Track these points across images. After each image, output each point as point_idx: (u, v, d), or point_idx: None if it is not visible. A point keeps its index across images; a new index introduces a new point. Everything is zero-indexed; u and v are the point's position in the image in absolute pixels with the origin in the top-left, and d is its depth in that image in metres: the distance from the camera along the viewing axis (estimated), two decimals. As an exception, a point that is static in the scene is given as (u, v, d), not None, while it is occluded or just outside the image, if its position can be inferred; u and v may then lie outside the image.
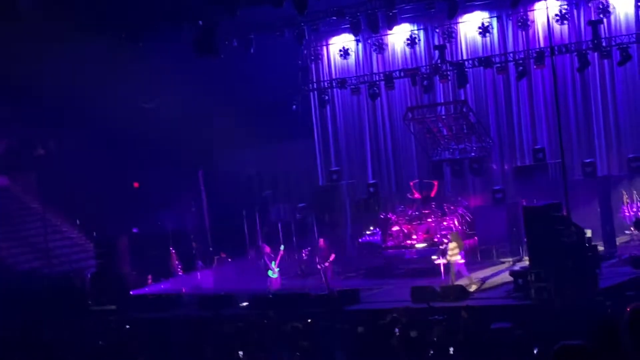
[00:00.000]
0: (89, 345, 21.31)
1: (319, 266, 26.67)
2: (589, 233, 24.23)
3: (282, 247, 28.59)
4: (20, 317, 24.73)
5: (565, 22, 30.19)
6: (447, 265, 25.60)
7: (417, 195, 30.59)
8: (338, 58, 34.46)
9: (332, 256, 26.68)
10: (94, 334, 23.20)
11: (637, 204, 29.07)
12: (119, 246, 29.95)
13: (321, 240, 27.40)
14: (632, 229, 27.12)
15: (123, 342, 21.33)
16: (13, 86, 32.12)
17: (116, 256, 29.66)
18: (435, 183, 30.79)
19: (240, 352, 18.00)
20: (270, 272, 27.39)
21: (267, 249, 28.66)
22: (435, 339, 18.60)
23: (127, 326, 24.11)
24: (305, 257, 28.66)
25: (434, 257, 26.89)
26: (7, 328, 23.67)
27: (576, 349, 3.17)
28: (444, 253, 26.06)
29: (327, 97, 34.41)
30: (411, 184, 31.43)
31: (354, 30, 31.05)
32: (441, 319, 21.37)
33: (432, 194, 30.40)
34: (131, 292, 28.91)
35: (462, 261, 25.46)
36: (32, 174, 36.57)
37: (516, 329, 19.13)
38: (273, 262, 27.37)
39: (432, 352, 17.94)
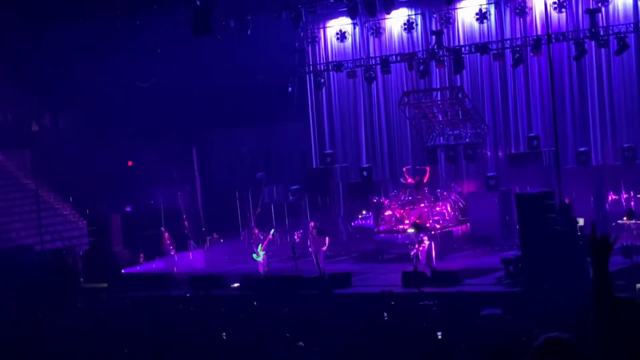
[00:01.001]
0: (79, 323, 21.31)
1: (310, 250, 26.69)
2: (581, 222, 24.27)
3: (272, 231, 28.59)
4: (11, 294, 24.72)
5: (563, 10, 30.15)
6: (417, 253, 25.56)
7: (410, 181, 30.62)
8: (335, 41, 34.39)
9: (327, 239, 26.64)
10: (84, 312, 23.23)
11: (630, 193, 29.10)
12: (112, 224, 29.99)
13: (311, 223, 27.40)
14: (624, 218, 27.15)
15: (114, 320, 21.35)
16: (8, 62, 32.05)
17: (108, 234, 29.71)
18: (428, 169, 30.80)
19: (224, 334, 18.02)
20: (254, 255, 27.42)
21: (255, 231, 28.65)
22: (424, 324, 18.65)
23: (118, 304, 24.14)
24: (297, 240, 28.69)
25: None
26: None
27: (561, 343, 3.16)
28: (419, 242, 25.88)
29: (323, 80, 34.36)
30: (404, 169, 31.45)
31: (352, 14, 30.99)
32: (431, 304, 21.44)
33: (425, 180, 30.42)
34: (123, 271, 28.91)
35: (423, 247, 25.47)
36: (25, 151, 36.51)
37: (506, 315, 19.19)
38: (260, 245, 27.38)
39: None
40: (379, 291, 22.16)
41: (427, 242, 25.84)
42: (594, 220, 3.47)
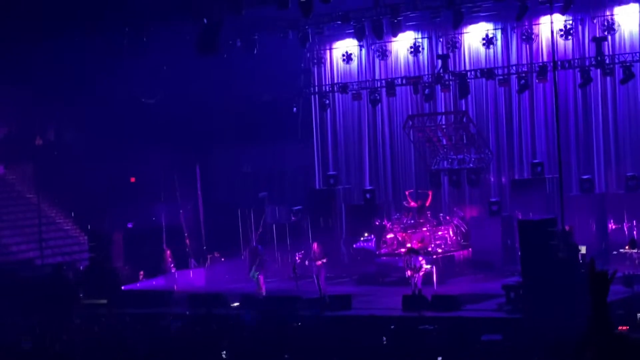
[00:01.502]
0: (78, 338, 21.25)
1: (308, 264, 26.63)
2: (583, 250, 24.20)
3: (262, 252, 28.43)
4: (10, 308, 24.66)
5: (570, 37, 30.17)
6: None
7: (412, 204, 30.54)
8: (341, 62, 34.42)
9: (324, 259, 26.59)
10: (83, 327, 23.16)
11: (632, 222, 29.04)
12: (113, 240, 29.94)
13: (315, 244, 27.34)
14: (627, 247, 27.08)
15: (112, 336, 21.29)
16: (14, 74, 32.08)
17: (109, 250, 29.67)
18: (430, 193, 30.74)
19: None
20: (251, 274, 27.44)
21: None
22: (424, 348, 18.58)
23: (117, 321, 24.07)
24: (298, 260, 28.63)
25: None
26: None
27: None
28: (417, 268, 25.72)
29: (327, 101, 34.39)
30: (407, 192, 31.39)
31: (358, 36, 31.03)
32: (431, 328, 21.37)
33: (427, 204, 30.34)
34: (123, 287, 28.84)
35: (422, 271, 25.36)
36: (29, 164, 36.49)
37: (507, 341, 19.12)
38: (254, 266, 27.40)
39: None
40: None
41: (426, 267, 25.72)
42: (593, 256, 3.50)
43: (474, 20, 31.10)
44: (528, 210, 28.27)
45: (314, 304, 24.81)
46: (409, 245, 27.83)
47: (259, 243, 31.01)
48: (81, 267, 30.22)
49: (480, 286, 26.96)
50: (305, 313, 23.87)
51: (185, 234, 33.03)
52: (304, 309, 24.24)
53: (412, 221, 29.95)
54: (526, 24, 30.56)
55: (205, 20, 27.82)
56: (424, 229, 29.52)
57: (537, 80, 30.45)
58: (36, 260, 31.30)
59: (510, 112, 32.04)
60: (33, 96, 33.08)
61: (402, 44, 33.00)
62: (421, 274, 25.15)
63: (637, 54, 29.18)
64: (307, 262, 26.77)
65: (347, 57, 34.17)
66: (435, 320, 22.12)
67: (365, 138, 34.63)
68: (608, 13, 29.95)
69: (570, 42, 30.32)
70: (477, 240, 29.91)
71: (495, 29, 31.54)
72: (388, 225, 30.39)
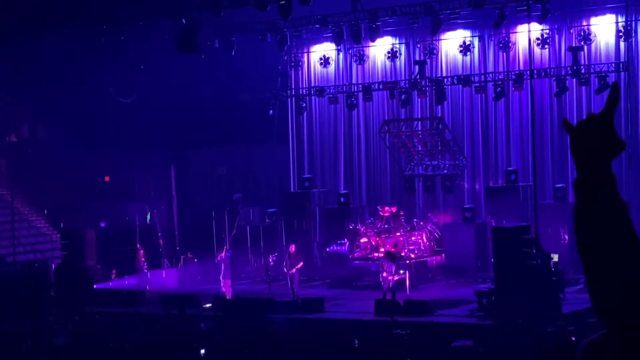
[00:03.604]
0: (47, 336, 21.15)
1: (286, 270, 26.61)
2: (555, 258, 24.35)
3: (228, 254, 28.26)
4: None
5: (546, 46, 30.38)
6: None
7: (387, 212, 30.36)
8: (318, 66, 34.47)
9: (300, 264, 26.63)
10: (54, 325, 23.04)
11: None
12: (86, 239, 29.77)
13: (292, 246, 27.33)
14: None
15: (84, 335, 21.20)
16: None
17: (82, 249, 29.47)
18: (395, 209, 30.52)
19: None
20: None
21: (221, 255, 28.28)
22: (395, 353, 18.63)
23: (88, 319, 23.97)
24: (271, 263, 28.59)
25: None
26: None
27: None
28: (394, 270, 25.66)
29: (304, 104, 34.40)
30: (379, 207, 31.12)
31: (336, 40, 31.08)
32: (403, 333, 21.42)
33: (401, 213, 30.31)
34: (95, 286, 28.72)
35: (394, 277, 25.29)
36: (2, 160, 36.28)
37: (478, 347, 19.20)
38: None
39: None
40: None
41: (400, 272, 25.76)
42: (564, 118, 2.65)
43: (452, 27, 31.17)
44: (502, 218, 28.41)
45: (287, 306, 24.81)
46: (386, 249, 27.86)
47: (231, 245, 30.91)
48: (53, 265, 30.04)
49: (453, 292, 27.06)
50: (278, 316, 23.86)
51: (159, 234, 32.94)
52: (277, 312, 24.23)
53: (386, 226, 30.00)
54: (503, 32, 30.73)
55: (184, 21, 27.74)
56: (398, 234, 29.58)
57: (513, 88, 30.61)
58: (8, 257, 31.10)
59: (486, 120, 32.19)
60: (7, 93, 32.90)
61: (380, 49, 33.09)
62: (395, 278, 25.18)
63: (613, 65, 29.39)
64: (285, 268, 26.67)
65: (325, 61, 34.23)
66: (407, 325, 22.18)
67: (341, 142, 34.67)
68: (585, 23, 30.17)
69: (546, 51, 30.53)
70: (451, 246, 30.01)
71: (472, 37, 31.69)
72: (362, 229, 30.43)
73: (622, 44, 29.76)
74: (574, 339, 17.13)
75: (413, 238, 29.80)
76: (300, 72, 34.93)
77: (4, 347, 20.82)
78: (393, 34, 32.69)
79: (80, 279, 28.33)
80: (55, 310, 26.10)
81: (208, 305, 25.88)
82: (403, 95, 31.84)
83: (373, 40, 31.02)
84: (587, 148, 2.71)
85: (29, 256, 31.81)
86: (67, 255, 29.50)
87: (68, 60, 30.18)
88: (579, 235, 2.52)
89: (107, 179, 36.01)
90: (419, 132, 31.40)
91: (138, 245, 31.17)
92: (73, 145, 33.58)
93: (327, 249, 31.81)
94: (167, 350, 18.56)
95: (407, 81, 32.23)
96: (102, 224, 34.10)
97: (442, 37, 31.75)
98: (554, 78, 29.96)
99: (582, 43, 29.86)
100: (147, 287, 29.50)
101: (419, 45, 32.54)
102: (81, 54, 29.97)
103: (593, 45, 30.02)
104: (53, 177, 32.62)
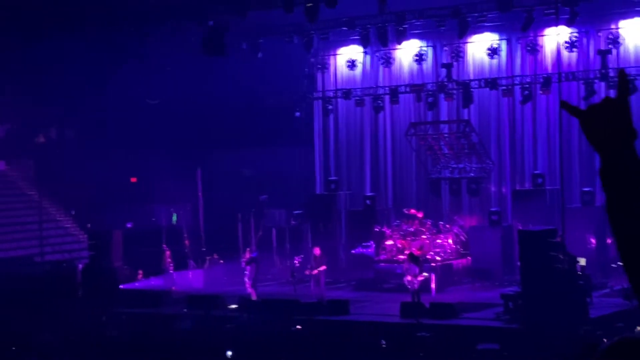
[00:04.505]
0: (75, 336, 21.26)
1: (308, 272, 26.61)
2: (582, 261, 24.22)
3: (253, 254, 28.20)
4: (7, 304, 24.66)
5: (575, 49, 30.18)
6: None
7: (412, 211, 30.39)
8: (345, 69, 34.44)
9: (323, 267, 26.64)
10: (81, 325, 23.15)
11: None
12: (113, 239, 29.91)
13: (317, 249, 27.34)
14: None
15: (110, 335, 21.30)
16: (17, 72, 32.13)
17: (109, 249, 29.61)
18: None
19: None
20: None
21: (246, 256, 28.26)
22: (421, 355, 18.60)
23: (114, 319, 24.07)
24: (297, 264, 28.60)
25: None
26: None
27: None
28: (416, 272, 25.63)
29: (330, 107, 34.42)
30: (405, 210, 31.13)
31: (363, 42, 31.08)
32: (428, 335, 21.38)
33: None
34: (121, 287, 28.84)
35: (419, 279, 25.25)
36: (30, 161, 36.54)
37: (504, 351, 19.13)
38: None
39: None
40: None
41: (424, 274, 25.70)
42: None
43: (479, 30, 31.10)
44: (528, 221, 28.27)
45: (312, 308, 24.81)
46: (410, 251, 27.81)
47: (257, 247, 30.94)
48: (80, 266, 30.20)
49: (479, 295, 26.98)
50: (303, 317, 23.88)
51: (185, 235, 33.03)
52: (302, 313, 24.24)
53: (412, 228, 29.95)
54: (531, 35, 30.58)
55: (211, 23, 27.83)
56: (424, 236, 29.53)
57: (540, 92, 30.46)
58: (35, 257, 31.31)
59: (513, 123, 32.06)
60: (36, 94, 33.14)
61: (407, 51, 33.02)
62: (419, 279, 25.12)
63: (641, 68, 29.20)
64: (308, 270, 26.69)
65: (351, 64, 34.19)
66: (432, 328, 22.13)
67: (367, 144, 34.65)
68: (613, 26, 29.97)
69: (574, 54, 30.33)
70: (477, 250, 29.90)
71: (500, 40, 31.57)
72: (388, 231, 30.38)
73: (651, 47, 29.58)
74: (605, 341, 17.00)
75: (439, 241, 29.72)
76: (326, 74, 34.93)
77: (28, 346, 20.94)
78: (420, 36, 32.59)
79: (107, 279, 28.47)
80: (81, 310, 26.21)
81: (234, 306, 25.93)
82: (430, 98, 31.78)
83: (400, 43, 30.99)
84: (601, 131, 2.72)
85: (56, 256, 31.99)
86: (94, 255, 29.64)
87: (95, 62, 30.37)
88: (612, 222, 2.51)
89: (133, 180, 36.17)
90: (446, 135, 31.33)
91: (164, 246, 31.27)
92: (100, 146, 33.76)
93: (353, 251, 31.79)
94: (192, 352, 18.62)
95: (433, 84, 32.17)
96: (129, 225, 34.25)
97: (469, 40, 31.65)
98: (582, 81, 29.79)
99: (611, 46, 29.66)
100: (173, 288, 29.60)
101: (445, 48, 32.44)
102: (108, 56, 30.16)
103: (622, 48, 29.81)
104: (80, 178, 32.81)
